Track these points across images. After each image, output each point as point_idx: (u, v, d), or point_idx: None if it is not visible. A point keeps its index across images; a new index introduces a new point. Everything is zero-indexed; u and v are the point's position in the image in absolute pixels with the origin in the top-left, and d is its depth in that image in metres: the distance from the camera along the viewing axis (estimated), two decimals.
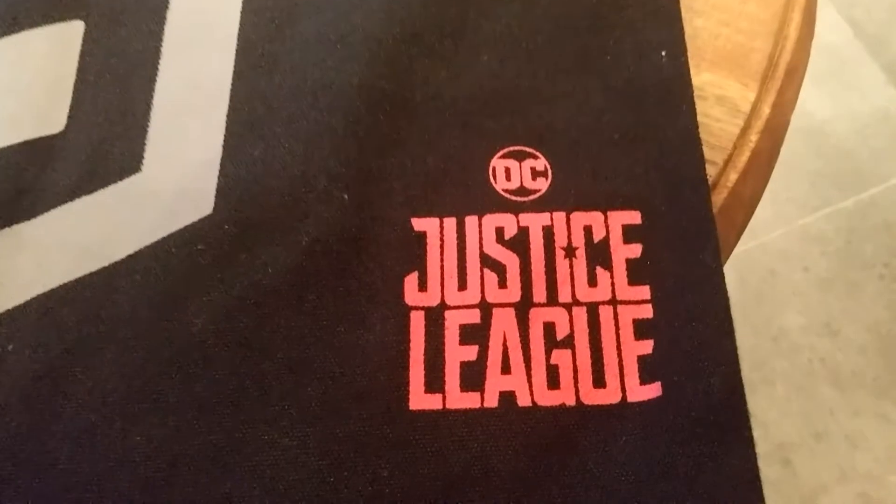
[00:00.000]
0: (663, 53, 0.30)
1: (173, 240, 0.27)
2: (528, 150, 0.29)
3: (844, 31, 1.27)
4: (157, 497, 0.24)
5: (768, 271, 1.17)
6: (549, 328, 0.26)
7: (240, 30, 0.31)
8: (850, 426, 1.04)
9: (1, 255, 0.27)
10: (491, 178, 0.28)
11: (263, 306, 0.26)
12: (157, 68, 0.30)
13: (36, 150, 0.29)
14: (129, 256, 0.27)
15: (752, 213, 0.31)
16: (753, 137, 0.30)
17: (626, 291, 0.26)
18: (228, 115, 0.29)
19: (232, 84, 0.30)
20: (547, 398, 0.25)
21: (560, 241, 0.27)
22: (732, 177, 0.29)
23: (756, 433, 0.24)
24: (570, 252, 0.27)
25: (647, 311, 0.26)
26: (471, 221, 0.28)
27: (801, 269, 1.16)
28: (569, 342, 0.26)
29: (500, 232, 0.27)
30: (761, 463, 0.24)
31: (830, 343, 1.10)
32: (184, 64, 0.30)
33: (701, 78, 0.31)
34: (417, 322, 0.26)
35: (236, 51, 0.31)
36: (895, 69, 1.26)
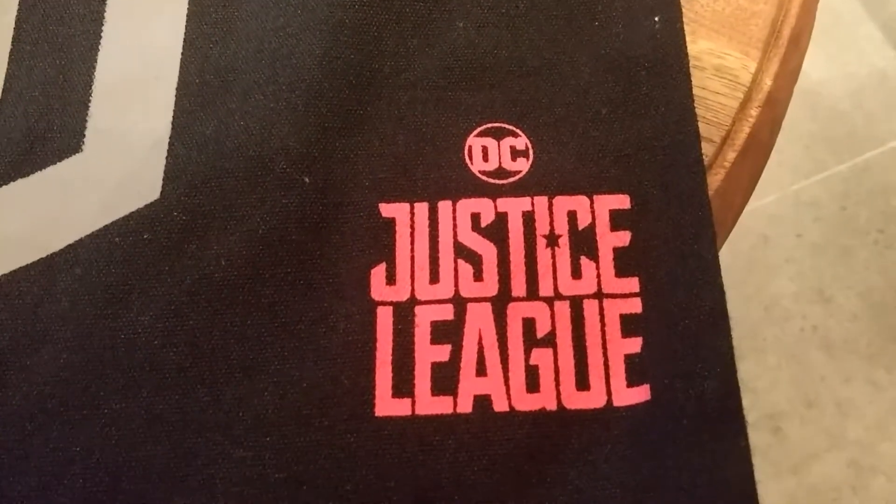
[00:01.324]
0: (656, 19, 0.27)
1: (117, 228, 0.25)
2: (507, 126, 0.26)
3: None
4: None
5: (760, 237, 1.15)
6: (529, 325, 0.24)
7: None
8: (841, 393, 1.03)
9: None
10: (467, 158, 0.26)
11: (215, 302, 0.24)
12: (99, 36, 0.27)
13: None
14: (69, 247, 0.25)
15: (751, 193, 0.29)
16: (754, 112, 0.28)
17: (612, 284, 0.24)
18: (178, 89, 0.27)
19: (182, 53, 0.27)
20: (525, 402, 0.23)
21: (541, 228, 0.25)
22: (730, 156, 0.27)
23: (746, 401, 0.22)
24: (552, 240, 0.25)
25: (635, 306, 0.24)
26: (444, 207, 0.25)
27: (793, 235, 1.14)
28: (550, 340, 0.24)
29: (475, 218, 0.25)
30: (751, 430, 0.22)
31: (823, 310, 1.08)
32: (129, 31, 0.28)
33: (698, 46, 0.28)
34: (385, 319, 0.24)
35: (186, 16, 0.28)
36: (894, 28, 1.23)
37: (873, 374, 1.04)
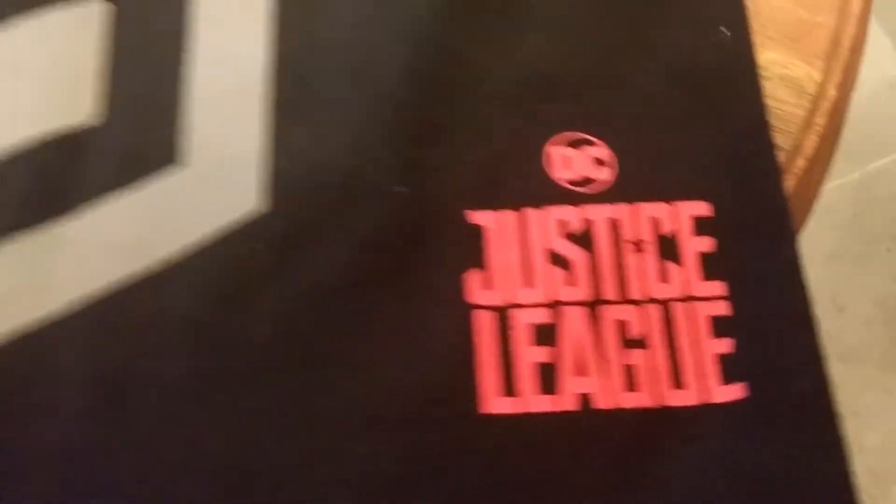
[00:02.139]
0: (725, 30, 0.29)
1: (221, 239, 0.26)
2: (587, 136, 0.27)
3: None
4: None
5: None
6: (623, 327, 0.25)
7: (276, 6, 0.29)
8: (857, 401, 1.04)
9: (35, 255, 0.26)
10: (549, 167, 0.27)
11: (324, 307, 0.25)
12: (189, 50, 0.28)
13: (63, 143, 0.27)
14: (177, 256, 0.26)
15: (816, 199, 0.30)
16: (820, 121, 0.29)
17: (699, 287, 0.25)
18: (268, 100, 0.28)
19: (270, 65, 0.28)
20: (625, 400, 0.24)
21: (627, 234, 0.26)
22: (800, 163, 0.28)
23: None
24: (638, 247, 0.26)
25: (723, 308, 0.25)
26: (531, 214, 0.26)
27: (807, 242, 1.14)
28: (644, 341, 0.25)
29: (563, 225, 0.26)
30: None
31: (837, 317, 1.09)
32: (217, 44, 0.29)
33: (764, 56, 0.29)
34: (482, 322, 0.25)
35: (271, 29, 0.29)
36: None
37: (889, 381, 1.05)
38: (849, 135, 1.14)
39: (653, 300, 0.25)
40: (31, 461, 0.23)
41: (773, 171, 0.27)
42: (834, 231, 1.16)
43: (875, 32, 1.28)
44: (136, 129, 0.27)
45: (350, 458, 0.23)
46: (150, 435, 0.23)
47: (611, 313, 0.25)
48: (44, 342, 0.25)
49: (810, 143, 0.28)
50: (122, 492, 0.23)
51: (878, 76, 1.28)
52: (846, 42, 0.30)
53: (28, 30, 0.28)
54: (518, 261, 0.25)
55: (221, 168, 0.27)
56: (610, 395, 0.24)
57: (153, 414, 0.24)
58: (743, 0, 0.29)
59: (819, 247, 1.14)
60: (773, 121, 0.28)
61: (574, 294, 0.25)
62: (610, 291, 0.25)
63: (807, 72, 0.29)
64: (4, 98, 0.27)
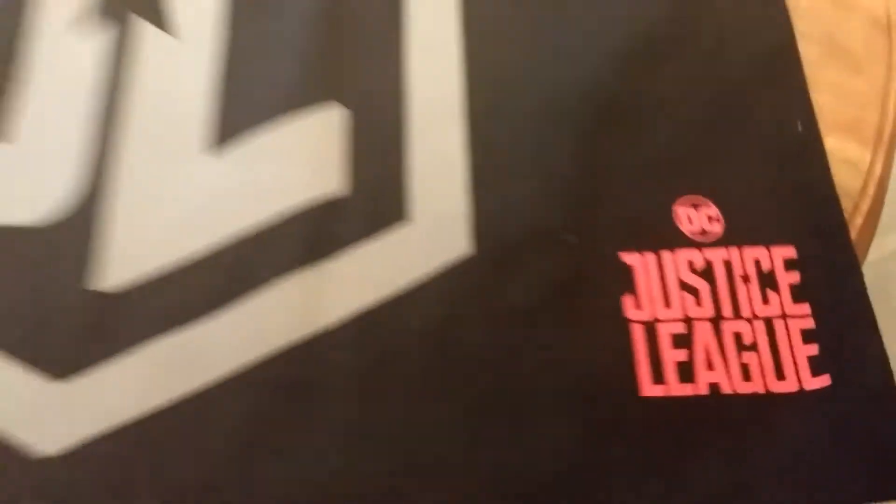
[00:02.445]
0: (799, 124, 0.39)
1: (442, 273, 0.36)
2: (704, 199, 0.38)
3: None
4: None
5: None
6: (738, 336, 0.35)
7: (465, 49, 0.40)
8: None
9: (309, 286, 0.36)
10: (678, 222, 0.37)
11: (519, 325, 0.35)
12: (407, 138, 0.39)
13: (323, 207, 0.38)
14: (411, 288, 0.36)
15: (870, 244, 0.40)
16: (871, 190, 0.39)
17: (792, 308, 0.35)
18: (468, 169, 0.38)
19: (468, 143, 0.39)
20: (743, 387, 0.34)
21: (737, 270, 0.36)
22: (858, 220, 0.38)
23: None
24: (745, 279, 0.36)
25: (810, 323, 0.35)
26: (666, 256, 0.36)
27: None
28: (753, 346, 0.34)
29: (690, 264, 0.36)
30: None
31: None
32: (428, 135, 0.39)
33: (827, 142, 0.40)
34: (636, 332, 0.35)
35: (463, 78, 0.40)
36: None
37: None
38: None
39: (758, 317, 0.35)
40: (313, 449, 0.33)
41: (841, 225, 0.37)
42: None
43: None
44: (372, 196, 0.38)
45: (552, 425, 0.33)
46: (401, 422, 0.33)
47: (728, 326, 0.35)
48: (315, 349, 0.35)
49: (865, 205, 0.39)
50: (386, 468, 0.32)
51: None
52: (887, 131, 0.40)
53: (292, 127, 0.39)
54: (659, 289, 0.36)
55: (438, 221, 0.37)
56: (731, 384, 0.34)
57: (401, 405, 0.34)
58: (811, 102, 0.40)
59: None
60: (839, 189, 0.38)
61: (701, 313, 0.35)
62: (727, 311, 0.35)
63: (859, 154, 0.40)
64: (281, 176, 0.38)
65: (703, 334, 0.35)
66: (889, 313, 1.29)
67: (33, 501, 0.32)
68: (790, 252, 0.36)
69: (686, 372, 0.34)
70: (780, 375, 0.34)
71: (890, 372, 0.34)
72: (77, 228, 0.37)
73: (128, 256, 0.36)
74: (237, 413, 0.34)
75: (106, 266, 0.36)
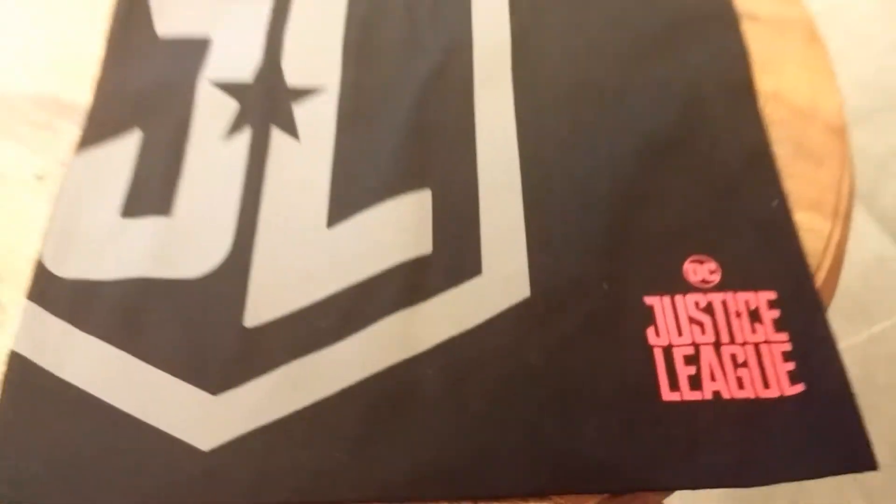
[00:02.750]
0: (775, 202, 0.52)
1: (505, 312, 0.47)
2: (706, 257, 0.50)
3: None
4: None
5: None
6: (733, 357, 0.46)
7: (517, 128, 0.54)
8: None
9: (405, 322, 0.47)
10: (686, 275, 0.49)
11: (568, 350, 0.46)
12: (478, 210, 0.51)
13: (412, 264, 0.49)
14: (483, 323, 0.47)
15: (832, 299, 0.51)
16: (831, 252, 0.51)
17: (773, 336, 0.47)
18: (526, 229, 0.50)
19: (523, 209, 0.51)
20: (739, 394, 0.45)
21: (732, 309, 0.48)
22: (821, 275, 0.50)
23: None
24: (738, 315, 0.47)
25: (788, 347, 0.46)
26: (679, 298, 0.48)
27: None
28: (746, 363, 0.46)
29: (696, 304, 0.48)
30: None
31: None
32: (495, 207, 0.52)
33: (797, 217, 0.52)
34: (657, 354, 0.46)
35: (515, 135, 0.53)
36: (886, 220, 1.49)
37: None
38: (850, 302, 1.39)
39: (748, 343, 0.46)
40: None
41: (809, 276, 0.49)
42: None
43: (863, 216, 1.54)
44: (452, 256, 0.50)
45: (595, 423, 0.43)
46: (477, 421, 0.44)
47: (726, 350, 0.46)
48: (410, 369, 0.46)
49: (826, 263, 0.51)
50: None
51: (869, 253, 1.53)
52: (842, 208, 0.53)
53: (390, 206, 0.52)
54: (673, 322, 0.47)
55: (503, 274, 0.49)
56: (729, 392, 0.45)
57: (477, 410, 0.44)
58: (783, 187, 0.52)
59: None
60: (805, 250, 0.51)
61: (705, 339, 0.46)
62: (725, 338, 0.46)
63: (821, 225, 0.52)
64: (383, 242, 0.50)
65: (707, 355, 0.46)
66: (874, 391, 1.39)
67: (195, 484, 0.42)
68: (772, 295, 0.48)
69: (695, 382, 0.45)
70: (766, 385, 0.45)
71: (847, 380, 0.45)
72: (227, 281, 0.49)
73: (266, 302, 0.48)
74: (350, 417, 0.44)
75: (249, 309, 0.48)
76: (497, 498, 0.42)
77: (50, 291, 0.47)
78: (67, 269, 0.48)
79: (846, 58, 1.59)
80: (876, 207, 1.54)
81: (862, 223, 1.54)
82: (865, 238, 1.53)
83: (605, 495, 0.42)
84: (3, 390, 0.44)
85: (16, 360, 0.45)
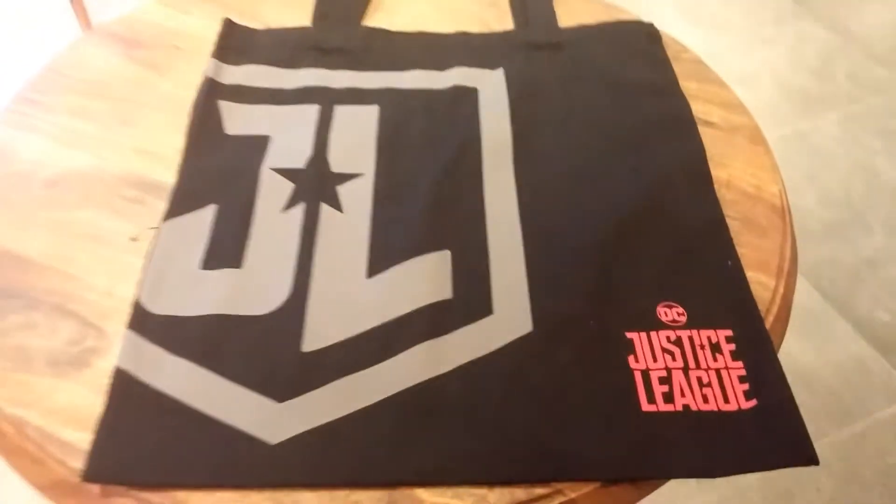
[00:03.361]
0: (729, 262, 0.64)
1: (509, 345, 0.59)
2: (673, 304, 0.61)
3: (815, 296, 1.63)
4: None
5: (785, 490, 1.43)
6: (700, 379, 0.57)
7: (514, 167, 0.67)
8: None
9: (431, 350, 0.58)
10: (659, 315, 0.61)
11: (565, 375, 0.57)
12: (489, 255, 0.64)
13: (436, 307, 0.61)
14: (487, 354, 0.58)
15: (781, 341, 0.63)
16: (777, 301, 0.63)
17: (731, 364, 0.58)
18: (527, 274, 0.62)
19: (526, 269, 0.63)
20: (704, 407, 0.55)
21: (697, 342, 0.59)
22: (770, 319, 0.62)
23: None
24: (702, 347, 0.59)
25: (743, 372, 0.57)
26: (654, 334, 0.59)
27: (814, 489, 1.42)
28: (710, 384, 0.56)
29: (668, 338, 0.59)
30: None
31: None
32: (503, 242, 0.64)
33: (748, 274, 0.64)
34: (637, 376, 0.57)
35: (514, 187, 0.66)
36: (861, 325, 1.60)
37: None
38: (833, 400, 1.51)
39: (711, 368, 0.57)
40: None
41: (759, 319, 0.60)
42: (833, 479, 1.44)
43: (840, 322, 1.65)
44: (468, 300, 0.61)
45: (588, 428, 0.54)
46: (489, 424, 0.54)
47: (693, 373, 0.57)
48: (434, 385, 0.57)
49: (774, 310, 0.62)
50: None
51: (846, 355, 1.63)
52: (784, 268, 0.65)
53: (417, 262, 0.64)
54: (649, 352, 0.58)
55: (510, 313, 0.60)
56: (696, 405, 0.55)
57: (488, 419, 0.55)
58: (736, 252, 0.65)
59: (825, 493, 1.42)
60: (756, 299, 0.62)
61: (676, 364, 0.57)
62: (692, 364, 0.58)
63: (768, 280, 0.64)
64: (412, 290, 0.62)
65: (678, 377, 0.57)
66: (861, 488, 1.46)
67: (265, 469, 0.52)
68: (729, 332, 0.60)
69: (668, 398, 0.56)
70: (726, 401, 0.56)
71: (790, 395, 0.56)
72: (288, 317, 0.60)
73: (320, 333, 0.59)
74: (387, 421, 0.54)
75: (307, 338, 0.59)
76: (509, 483, 0.52)
77: (146, 323, 0.58)
78: (159, 307, 0.60)
79: (814, 176, 1.75)
80: (851, 314, 1.65)
81: (840, 328, 1.66)
82: (844, 342, 1.64)
83: (597, 484, 0.52)
84: (109, 398, 0.54)
85: (119, 374, 0.55)
